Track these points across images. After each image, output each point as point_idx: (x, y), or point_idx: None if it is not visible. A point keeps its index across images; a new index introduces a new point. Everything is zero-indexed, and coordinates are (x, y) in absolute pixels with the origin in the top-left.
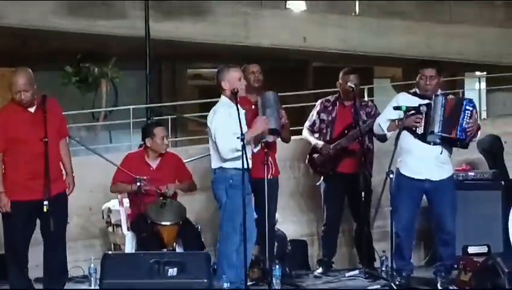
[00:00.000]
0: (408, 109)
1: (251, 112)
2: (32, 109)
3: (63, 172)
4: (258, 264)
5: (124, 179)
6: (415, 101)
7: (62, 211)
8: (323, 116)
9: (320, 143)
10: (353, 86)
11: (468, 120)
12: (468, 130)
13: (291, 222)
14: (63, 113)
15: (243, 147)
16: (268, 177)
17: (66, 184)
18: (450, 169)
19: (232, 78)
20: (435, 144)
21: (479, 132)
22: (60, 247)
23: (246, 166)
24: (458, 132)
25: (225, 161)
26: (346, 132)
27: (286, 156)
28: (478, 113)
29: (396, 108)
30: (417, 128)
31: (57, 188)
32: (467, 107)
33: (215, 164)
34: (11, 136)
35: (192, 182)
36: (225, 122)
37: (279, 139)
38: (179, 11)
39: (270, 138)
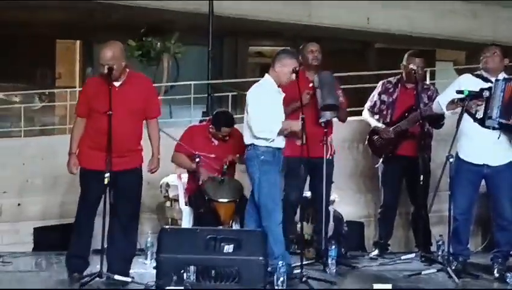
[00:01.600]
0: (470, 93)
1: (309, 90)
2: (117, 83)
3: (140, 148)
4: (313, 244)
5: (184, 151)
6: (477, 84)
7: (129, 187)
8: (384, 97)
9: (381, 126)
10: (414, 68)
11: None
12: None
13: (349, 204)
14: None
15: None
16: (327, 157)
17: (140, 161)
18: (511, 155)
19: (288, 66)
20: (493, 129)
21: None
22: (126, 223)
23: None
24: None
25: (257, 138)
26: (406, 114)
27: (345, 137)
28: None
29: (459, 92)
30: (477, 113)
31: (126, 163)
32: None
33: (247, 140)
34: (90, 106)
35: None
36: (264, 101)
37: (335, 119)
38: None
39: (328, 115)
